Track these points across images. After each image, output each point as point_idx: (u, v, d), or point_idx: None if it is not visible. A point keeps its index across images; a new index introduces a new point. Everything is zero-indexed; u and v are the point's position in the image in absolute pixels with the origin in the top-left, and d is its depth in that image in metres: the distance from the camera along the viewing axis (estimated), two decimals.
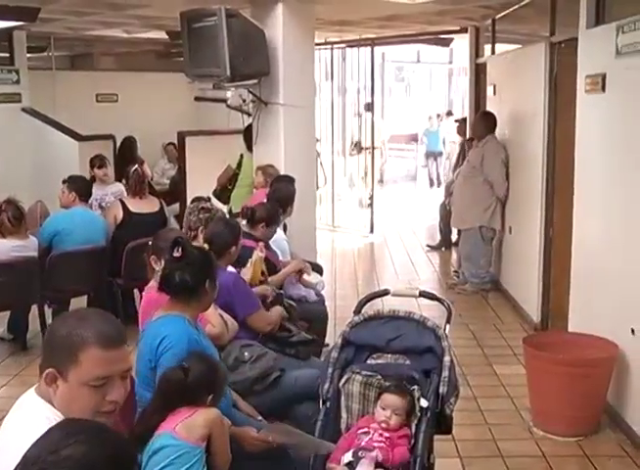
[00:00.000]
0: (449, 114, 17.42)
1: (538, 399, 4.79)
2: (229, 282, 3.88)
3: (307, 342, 4.29)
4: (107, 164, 7.48)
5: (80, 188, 6.37)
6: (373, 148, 11.61)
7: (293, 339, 4.21)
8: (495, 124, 7.74)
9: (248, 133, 7.31)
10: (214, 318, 3.57)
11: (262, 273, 4.66)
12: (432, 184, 16.40)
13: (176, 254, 3.08)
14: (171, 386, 2.75)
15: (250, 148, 7.15)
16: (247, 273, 4.44)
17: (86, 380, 1.96)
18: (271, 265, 5.04)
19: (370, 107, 11.69)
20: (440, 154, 16.29)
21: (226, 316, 3.69)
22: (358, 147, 12.37)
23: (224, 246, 4.07)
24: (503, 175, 7.53)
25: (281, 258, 5.44)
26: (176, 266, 3.08)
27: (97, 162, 7.47)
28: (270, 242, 5.36)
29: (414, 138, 18.37)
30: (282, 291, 4.76)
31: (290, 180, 5.94)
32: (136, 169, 6.55)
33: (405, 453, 2.98)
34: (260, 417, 3.38)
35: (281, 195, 5.73)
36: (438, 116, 17.32)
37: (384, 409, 3.09)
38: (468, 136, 9.29)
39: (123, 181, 6.75)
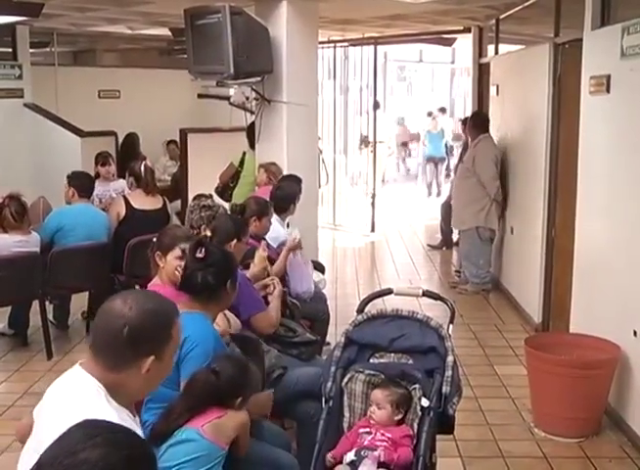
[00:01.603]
0: (429, 114, 16.64)
1: (539, 400, 4.79)
2: None
3: (310, 342, 4.28)
4: (110, 162, 7.46)
5: (80, 184, 6.35)
6: (375, 146, 11.61)
7: (296, 339, 4.21)
8: (487, 124, 7.76)
9: (251, 131, 7.31)
10: (218, 317, 3.56)
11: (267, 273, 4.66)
12: (430, 193, 14.74)
13: (199, 254, 3.08)
14: (202, 388, 2.76)
15: (252, 145, 7.16)
16: (252, 269, 4.44)
17: (175, 349, 2.15)
18: (272, 262, 5.05)
19: (378, 105, 11.89)
20: (442, 159, 14.66)
21: (229, 315, 3.68)
22: (365, 141, 12.61)
23: (225, 238, 4.07)
24: (494, 175, 7.54)
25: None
26: (198, 267, 3.08)
27: (100, 159, 7.47)
28: (270, 240, 5.36)
29: (416, 137, 17.92)
30: (285, 288, 4.76)
31: (296, 180, 5.94)
32: (146, 166, 6.54)
33: (409, 454, 2.99)
34: None
35: (283, 193, 5.73)
36: (430, 114, 16.45)
37: (371, 406, 3.14)
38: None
39: (131, 180, 6.70)
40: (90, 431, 1.55)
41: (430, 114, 17.37)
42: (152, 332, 2.03)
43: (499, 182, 7.58)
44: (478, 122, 7.90)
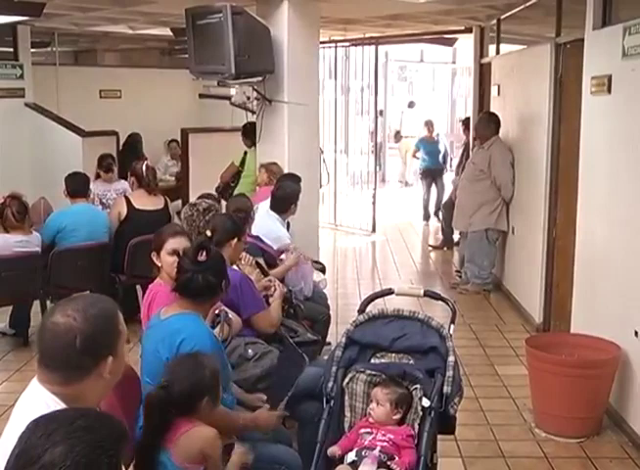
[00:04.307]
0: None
1: (540, 400, 4.79)
2: (235, 281, 3.88)
3: (311, 342, 4.28)
4: (113, 169, 7.44)
5: (69, 184, 6.35)
6: (376, 147, 11.61)
7: (297, 339, 4.21)
8: (499, 125, 7.73)
9: (247, 131, 7.36)
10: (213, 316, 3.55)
11: (263, 272, 4.67)
12: (427, 216, 11.64)
13: (201, 257, 3.06)
14: (158, 408, 2.65)
15: (248, 145, 7.20)
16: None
17: (125, 339, 2.12)
18: (270, 257, 5.05)
19: (412, 104, 12.07)
20: (441, 173, 11.47)
21: (232, 314, 3.68)
22: (398, 136, 12.82)
23: (225, 236, 4.06)
24: (511, 178, 7.50)
25: (283, 256, 5.44)
26: (198, 269, 3.05)
27: (104, 166, 7.42)
28: (272, 240, 5.37)
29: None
30: (291, 288, 4.76)
31: (295, 179, 5.95)
32: (147, 165, 6.56)
33: (413, 455, 2.98)
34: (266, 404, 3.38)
35: (284, 193, 5.72)
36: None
37: (371, 403, 3.14)
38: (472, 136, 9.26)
39: (132, 179, 6.70)
40: (44, 429, 1.49)
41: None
42: (103, 334, 2.01)
43: (514, 186, 7.55)
44: (491, 123, 7.81)
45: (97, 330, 1.99)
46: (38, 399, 1.97)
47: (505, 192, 7.55)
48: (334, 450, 3.03)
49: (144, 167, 6.51)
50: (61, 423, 1.52)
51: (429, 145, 11.74)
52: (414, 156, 12.15)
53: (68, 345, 1.95)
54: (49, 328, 2.00)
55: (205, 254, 3.07)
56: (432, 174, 11.46)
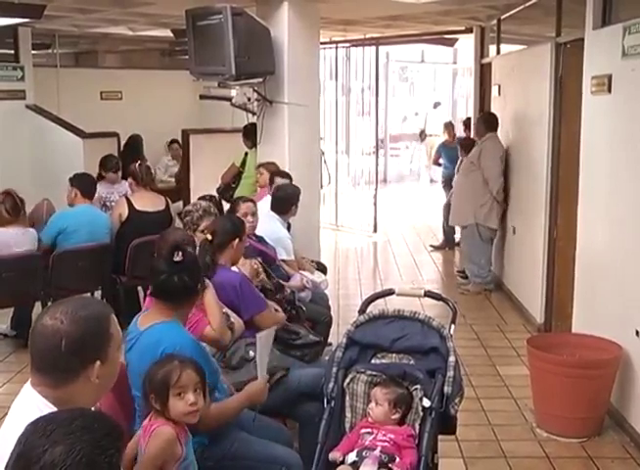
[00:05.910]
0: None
1: (542, 401, 4.79)
2: (235, 282, 3.88)
3: (314, 344, 4.28)
4: (120, 167, 7.45)
5: (83, 185, 6.36)
6: (377, 148, 11.61)
7: (299, 342, 4.20)
8: (496, 124, 7.77)
9: (247, 132, 7.36)
10: (215, 321, 3.50)
11: (268, 275, 4.67)
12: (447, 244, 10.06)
13: (177, 258, 3.03)
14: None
15: (249, 146, 7.19)
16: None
17: (119, 343, 2.10)
18: (269, 259, 5.05)
19: (437, 105, 12.17)
20: None
21: (234, 316, 3.68)
22: (423, 135, 12.87)
23: (226, 238, 4.06)
24: (499, 171, 7.56)
25: (285, 257, 5.44)
26: (175, 270, 3.01)
27: (112, 166, 7.39)
28: (273, 241, 5.36)
29: (415, 138, 17.33)
30: (294, 291, 4.76)
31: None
32: (141, 164, 6.59)
33: (414, 455, 2.98)
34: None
35: (286, 194, 5.70)
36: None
37: (370, 402, 3.15)
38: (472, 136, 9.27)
39: (130, 180, 6.71)
40: (44, 429, 1.50)
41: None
42: (90, 338, 1.98)
43: (502, 180, 7.59)
44: (487, 121, 7.91)
45: (85, 333, 1.97)
46: (30, 403, 1.97)
47: (492, 184, 7.58)
48: (336, 456, 3.02)
49: (137, 165, 6.55)
50: (60, 423, 1.52)
51: (449, 150, 10.32)
52: (436, 163, 11.02)
53: (55, 347, 1.94)
54: (39, 331, 2.00)
55: (181, 254, 3.04)
56: (451, 183, 9.46)
